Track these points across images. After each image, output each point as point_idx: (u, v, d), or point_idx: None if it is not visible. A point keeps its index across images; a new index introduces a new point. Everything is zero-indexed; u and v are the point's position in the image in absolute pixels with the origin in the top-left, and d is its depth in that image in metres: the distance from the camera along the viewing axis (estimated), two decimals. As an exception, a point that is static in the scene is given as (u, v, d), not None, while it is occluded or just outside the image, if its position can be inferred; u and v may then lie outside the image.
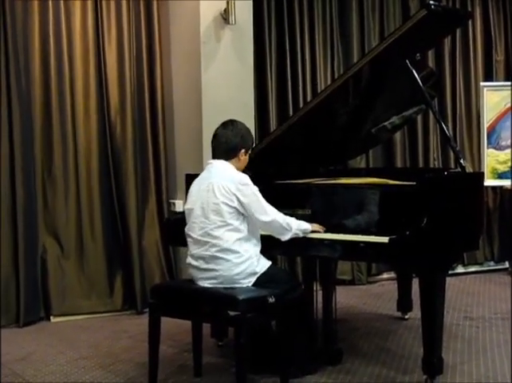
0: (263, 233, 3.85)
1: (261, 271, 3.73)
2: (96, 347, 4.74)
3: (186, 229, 3.86)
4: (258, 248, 3.79)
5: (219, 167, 3.79)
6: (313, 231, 3.84)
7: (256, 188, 3.71)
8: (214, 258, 3.68)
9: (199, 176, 3.88)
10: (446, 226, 3.72)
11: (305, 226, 3.83)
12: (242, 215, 3.69)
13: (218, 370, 4.16)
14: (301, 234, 3.81)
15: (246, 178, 3.72)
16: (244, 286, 3.68)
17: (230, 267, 3.66)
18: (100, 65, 5.70)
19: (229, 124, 3.88)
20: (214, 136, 3.87)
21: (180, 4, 5.86)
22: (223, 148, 3.82)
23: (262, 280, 3.71)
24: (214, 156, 3.85)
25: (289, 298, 3.75)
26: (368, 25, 6.83)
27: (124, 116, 5.78)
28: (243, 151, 3.85)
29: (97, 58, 5.70)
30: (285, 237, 3.77)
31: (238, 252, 3.66)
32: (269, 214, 3.71)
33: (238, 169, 3.82)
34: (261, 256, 3.80)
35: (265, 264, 3.77)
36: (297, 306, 3.85)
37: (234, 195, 3.65)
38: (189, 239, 3.84)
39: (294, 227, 3.77)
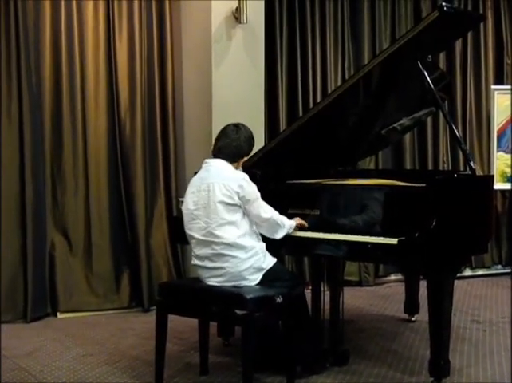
0: None
1: (268, 268, 3.74)
2: (103, 344, 4.75)
3: (187, 230, 3.85)
4: (263, 244, 3.79)
5: (218, 167, 3.78)
6: (297, 226, 3.93)
7: (255, 186, 3.74)
8: (220, 255, 3.68)
9: (197, 176, 3.86)
10: (455, 228, 3.71)
11: (290, 222, 3.89)
12: (242, 212, 3.70)
13: (224, 369, 4.16)
14: (290, 231, 3.87)
15: (246, 176, 3.74)
16: (252, 283, 3.69)
17: (237, 264, 3.66)
18: (110, 63, 5.72)
19: (240, 129, 3.87)
20: (225, 135, 3.85)
21: (192, 3, 5.88)
22: (232, 152, 3.81)
23: (268, 277, 3.72)
24: (217, 155, 3.83)
25: (293, 295, 3.76)
26: (379, 27, 6.84)
27: (133, 113, 5.80)
28: (245, 158, 3.91)
29: (108, 56, 5.72)
30: (280, 235, 3.83)
31: (244, 247, 3.67)
32: (267, 211, 3.76)
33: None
34: (267, 252, 3.80)
35: (271, 261, 3.78)
36: (299, 303, 3.85)
37: (236, 192, 3.65)
38: (192, 240, 3.83)
39: (287, 224, 3.84)
